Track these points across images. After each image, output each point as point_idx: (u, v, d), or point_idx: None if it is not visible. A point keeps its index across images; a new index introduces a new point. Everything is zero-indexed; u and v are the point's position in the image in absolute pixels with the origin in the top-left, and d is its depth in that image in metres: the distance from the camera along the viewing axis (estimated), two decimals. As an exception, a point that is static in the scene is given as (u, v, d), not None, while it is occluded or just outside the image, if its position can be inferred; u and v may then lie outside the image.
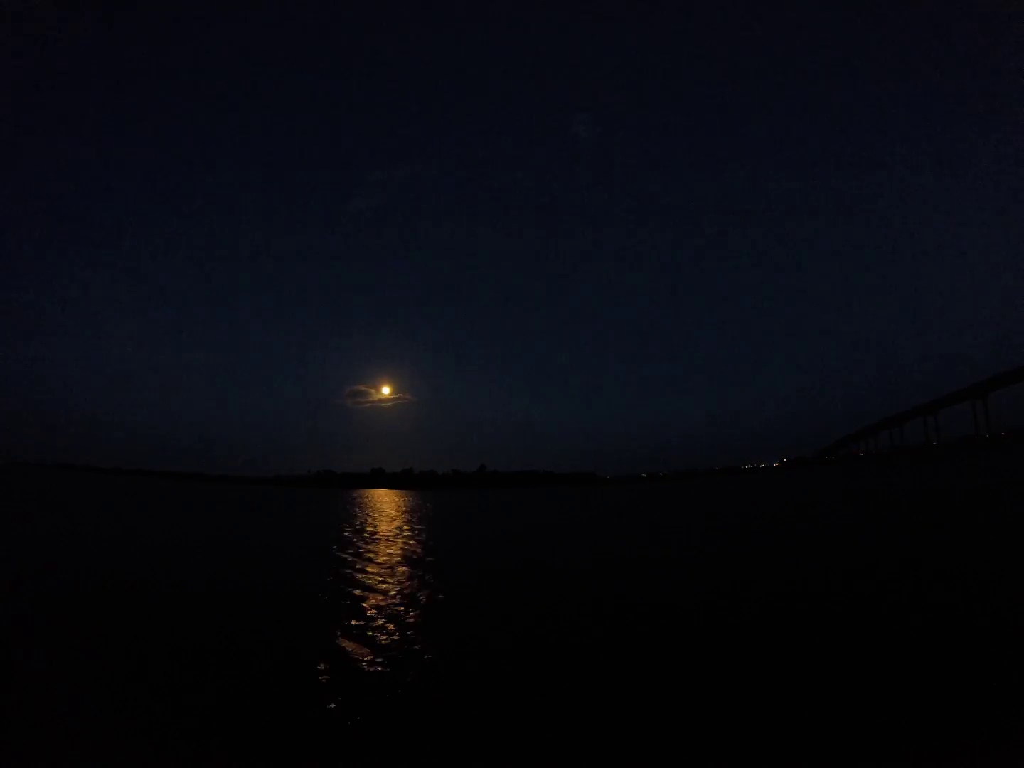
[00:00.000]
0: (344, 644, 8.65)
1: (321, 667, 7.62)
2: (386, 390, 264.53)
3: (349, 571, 15.30)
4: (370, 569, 15.73)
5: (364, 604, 11.34)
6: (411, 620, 10.10)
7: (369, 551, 19.91)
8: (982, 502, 27.06)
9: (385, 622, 9.92)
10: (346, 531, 27.77)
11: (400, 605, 11.23)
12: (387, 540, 23.81)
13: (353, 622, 9.92)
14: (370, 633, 9.23)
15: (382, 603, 11.42)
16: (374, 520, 36.25)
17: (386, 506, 58.46)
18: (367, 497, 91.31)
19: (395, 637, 9.01)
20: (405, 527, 30.95)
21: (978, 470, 56.05)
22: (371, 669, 7.57)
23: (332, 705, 6.42)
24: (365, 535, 25.82)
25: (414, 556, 18.65)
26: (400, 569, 15.77)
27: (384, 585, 13.38)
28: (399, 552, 19.72)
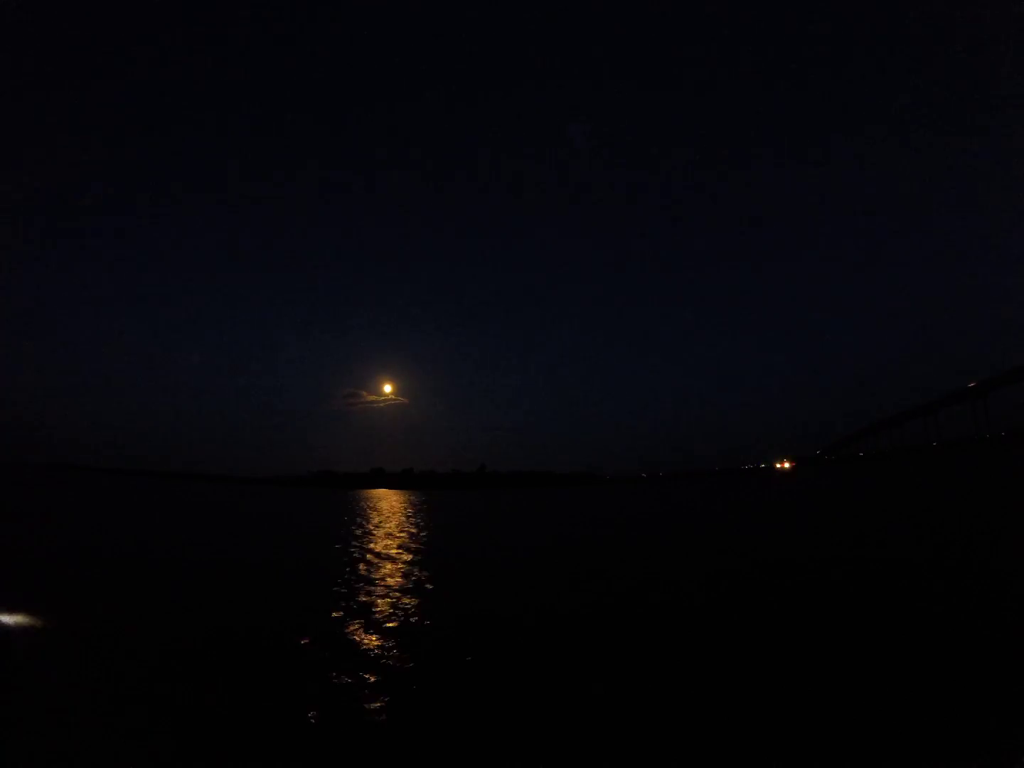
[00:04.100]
0: (346, 641, 8.66)
1: (323, 664, 7.64)
2: (387, 389, 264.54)
3: (350, 570, 15.31)
4: (370, 569, 15.74)
5: (367, 602, 11.35)
6: (412, 616, 10.12)
7: (370, 550, 19.90)
8: (981, 502, 27.05)
9: (387, 620, 9.94)
10: (348, 531, 27.76)
11: (403, 603, 11.25)
12: (388, 539, 23.81)
13: (355, 617, 9.95)
14: (371, 630, 9.25)
15: (385, 601, 11.43)
16: (374, 520, 36.22)
17: (387, 506, 58.43)
18: (367, 497, 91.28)
19: (396, 636, 9.02)
20: (405, 527, 30.93)
21: (978, 470, 56.06)
22: (372, 667, 7.58)
23: (333, 701, 6.43)
24: (366, 535, 25.81)
25: (413, 554, 18.65)
26: (400, 568, 15.78)
27: (386, 585, 13.38)
28: (399, 551, 19.72)
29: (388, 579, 14.16)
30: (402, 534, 26.73)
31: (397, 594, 12.34)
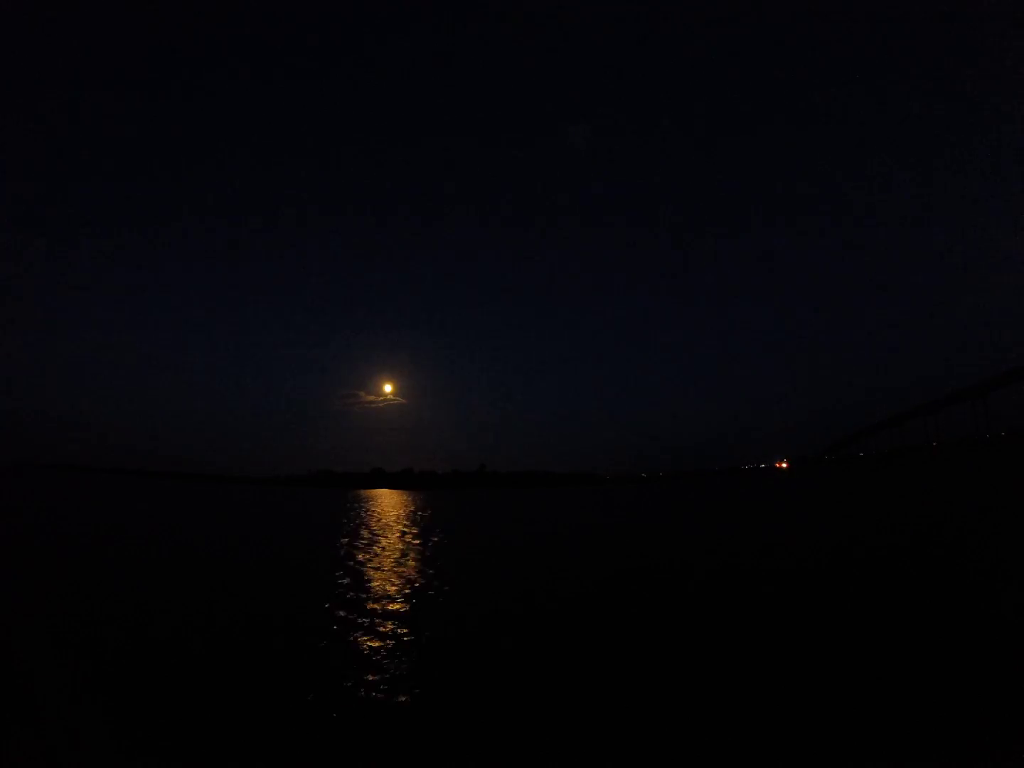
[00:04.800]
0: (344, 639, 8.69)
1: (321, 661, 7.66)
2: (387, 389, 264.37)
3: (349, 569, 15.33)
4: (369, 568, 15.76)
5: (366, 600, 11.36)
6: (410, 614, 10.14)
7: (369, 549, 19.93)
8: (981, 502, 27.07)
9: (385, 618, 9.96)
10: (347, 530, 27.78)
11: (402, 600, 11.28)
12: (387, 538, 23.83)
13: (353, 615, 9.97)
14: (370, 627, 9.28)
15: (384, 600, 11.46)
16: (374, 520, 36.25)
17: (386, 506, 58.46)
18: (367, 497, 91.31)
19: (394, 634, 9.04)
20: (405, 526, 30.96)
21: (978, 470, 56.05)
22: (370, 664, 7.60)
23: (331, 699, 6.46)
24: (365, 534, 25.84)
25: (412, 553, 18.67)
26: (399, 567, 15.80)
27: (385, 583, 13.40)
28: (398, 550, 19.74)
29: (387, 578, 14.18)
30: (401, 533, 26.75)
31: (396, 592, 12.36)
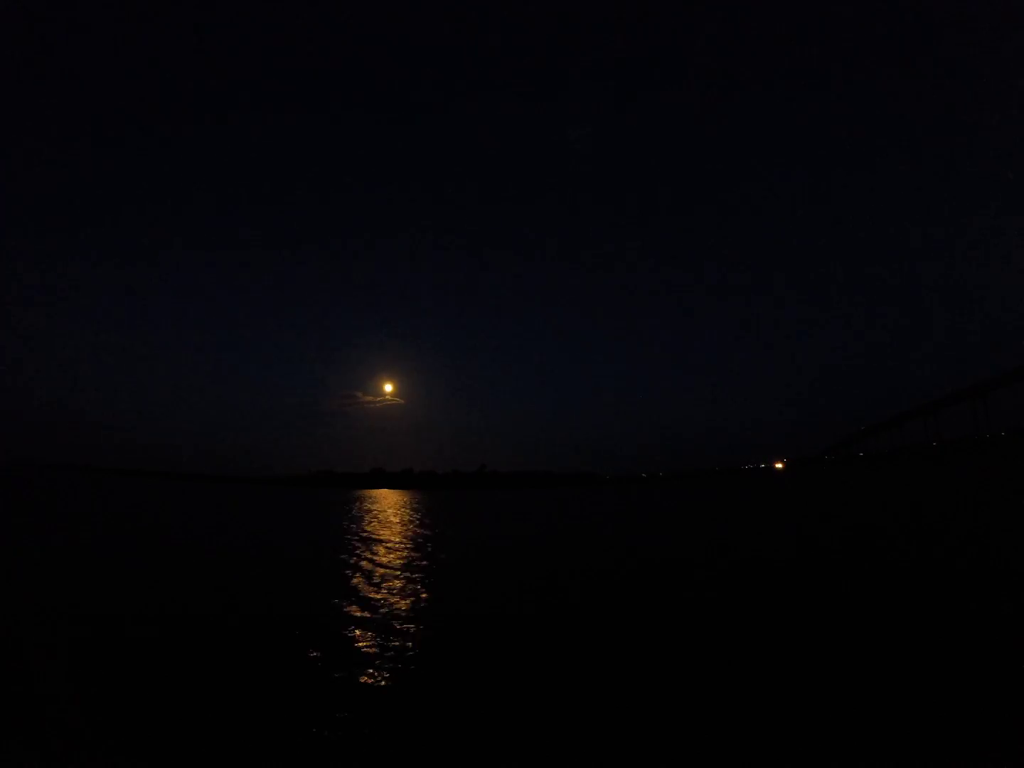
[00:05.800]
0: (342, 638, 8.71)
1: (318, 659, 7.69)
2: (388, 388, 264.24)
3: (348, 569, 15.36)
4: (368, 568, 15.78)
5: (365, 599, 11.39)
6: (409, 614, 10.16)
7: (369, 549, 19.95)
8: (981, 502, 27.08)
9: (384, 618, 9.98)
10: (347, 530, 27.80)
11: (401, 600, 11.30)
12: (387, 538, 23.85)
13: (352, 614, 9.99)
14: (368, 627, 9.30)
15: (383, 599, 11.48)
16: (374, 520, 36.27)
17: (386, 506, 58.47)
18: (367, 497, 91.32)
19: (393, 634, 9.06)
20: (404, 526, 30.99)
21: (978, 470, 56.04)
22: (368, 663, 7.63)
23: (327, 698, 6.48)
24: (365, 534, 25.86)
25: (412, 553, 18.69)
26: (398, 567, 15.82)
27: (383, 583, 13.42)
28: (397, 549, 19.76)
29: (388, 576, 14.20)
30: (400, 533, 26.78)
31: (397, 591, 12.38)
